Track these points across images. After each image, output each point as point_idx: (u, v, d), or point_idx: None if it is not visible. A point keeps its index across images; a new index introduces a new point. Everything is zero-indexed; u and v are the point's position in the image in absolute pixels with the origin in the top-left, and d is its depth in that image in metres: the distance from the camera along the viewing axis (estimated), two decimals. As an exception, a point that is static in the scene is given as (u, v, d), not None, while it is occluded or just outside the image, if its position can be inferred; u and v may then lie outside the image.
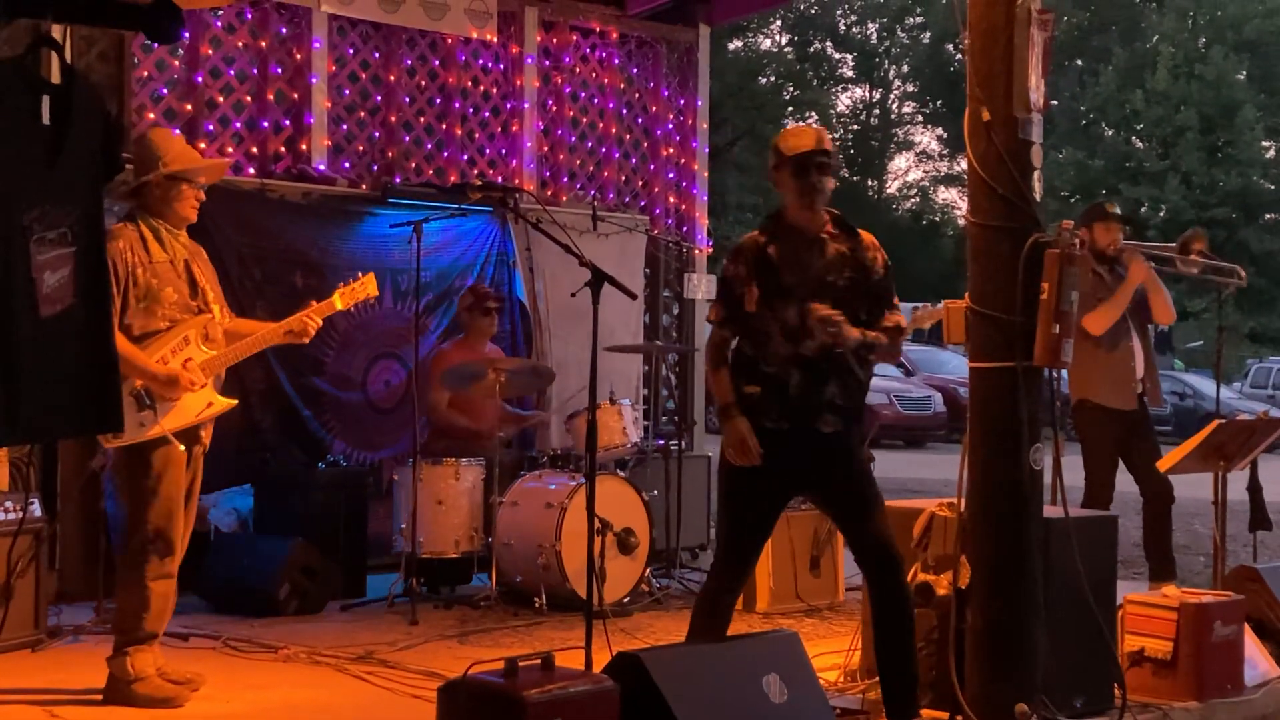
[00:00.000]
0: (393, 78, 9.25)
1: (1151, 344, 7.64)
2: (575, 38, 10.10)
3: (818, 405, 4.96)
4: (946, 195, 49.25)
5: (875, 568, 5.01)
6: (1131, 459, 7.48)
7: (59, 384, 3.65)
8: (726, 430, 5.01)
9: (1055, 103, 38.15)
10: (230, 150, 8.56)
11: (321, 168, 8.72)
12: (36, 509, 6.52)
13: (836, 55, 49.65)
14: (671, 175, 10.61)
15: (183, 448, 5.46)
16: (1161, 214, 36.94)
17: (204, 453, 5.64)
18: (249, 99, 8.74)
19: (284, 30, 8.79)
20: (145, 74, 8.23)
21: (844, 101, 50.16)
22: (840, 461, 5.03)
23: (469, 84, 9.61)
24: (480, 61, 9.65)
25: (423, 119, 9.43)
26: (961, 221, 5.03)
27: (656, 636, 6.73)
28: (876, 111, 50.14)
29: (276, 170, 8.63)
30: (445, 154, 9.51)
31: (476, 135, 9.69)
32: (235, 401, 5.80)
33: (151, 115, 8.21)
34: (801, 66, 47.10)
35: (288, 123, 8.78)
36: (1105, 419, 7.40)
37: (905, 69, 49.79)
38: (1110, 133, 41.09)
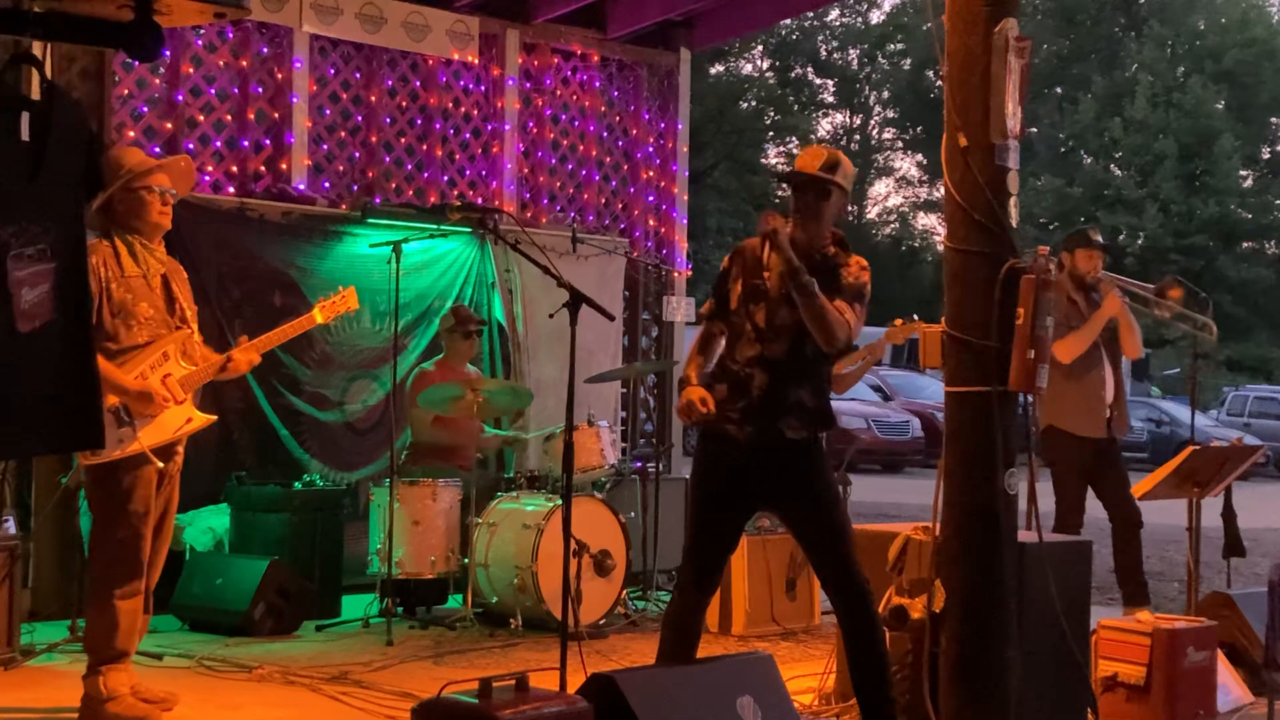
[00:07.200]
0: (374, 98, 9.27)
1: (1123, 373, 7.67)
2: (556, 60, 10.14)
3: (782, 407, 4.95)
4: (926, 221, 49.44)
5: (843, 599, 4.99)
6: (1100, 486, 7.49)
7: (37, 400, 3.63)
8: (680, 399, 5.07)
9: (1034, 130, 38.37)
10: (210, 169, 8.57)
11: (301, 187, 8.73)
12: (11, 526, 6.49)
13: (817, 81, 49.84)
14: (651, 198, 10.65)
15: (161, 464, 5.44)
16: (1140, 241, 37.13)
17: (178, 469, 5.60)
18: (229, 118, 8.75)
19: (265, 50, 8.82)
20: (126, 92, 8.25)
21: (824, 127, 50.35)
22: (804, 476, 5.00)
23: (450, 105, 9.63)
24: (461, 83, 9.68)
25: (403, 140, 9.45)
26: (941, 247, 5.01)
27: (632, 658, 6.72)
28: (857, 137, 50.30)
29: (256, 189, 8.64)
30: (425, 175, 9.53)
31: (457, 156, 9.71)
32: (215, 417, 5.77)
33: (132, 133, 8.22)
34: (782, 91, 47.27)
35: (268, 142, 8.79)
36: (1074, 446, 7.40)
37: (885, 95, 49.99)
38: (1089, 160, 41.30)
